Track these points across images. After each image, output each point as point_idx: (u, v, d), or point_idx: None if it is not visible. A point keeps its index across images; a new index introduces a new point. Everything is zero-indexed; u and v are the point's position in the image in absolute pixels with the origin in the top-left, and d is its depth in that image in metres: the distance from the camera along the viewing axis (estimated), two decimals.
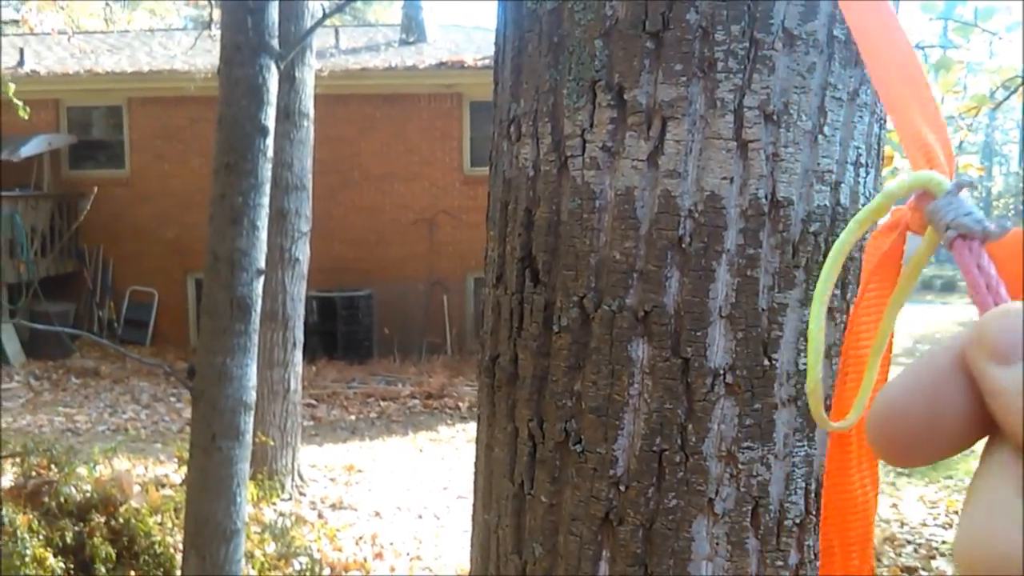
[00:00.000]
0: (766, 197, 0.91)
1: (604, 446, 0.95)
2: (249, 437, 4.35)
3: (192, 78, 9.97)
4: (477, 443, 1.13)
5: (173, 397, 9.27)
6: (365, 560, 5.43)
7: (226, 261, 4.28)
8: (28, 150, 10.48)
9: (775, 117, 0.91)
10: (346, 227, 11.09)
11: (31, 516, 4.43)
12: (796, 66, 0.90)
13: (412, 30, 12.65)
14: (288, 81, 6.39)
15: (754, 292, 0.92)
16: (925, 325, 15.10)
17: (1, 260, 10.12)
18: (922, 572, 5.26)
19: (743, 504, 0.93)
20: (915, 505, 6.47)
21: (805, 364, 0.94)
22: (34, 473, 4.82)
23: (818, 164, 0.93)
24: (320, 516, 6.22)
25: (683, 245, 0.92)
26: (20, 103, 6.57)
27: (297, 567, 5.13)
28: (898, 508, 6.42)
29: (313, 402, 9.23)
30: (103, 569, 4.38)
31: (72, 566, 4.37)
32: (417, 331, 11.27)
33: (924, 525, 6.07)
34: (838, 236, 0.95)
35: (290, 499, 6.43)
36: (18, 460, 4.84)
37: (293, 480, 6.66)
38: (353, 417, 8.98)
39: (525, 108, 1.00)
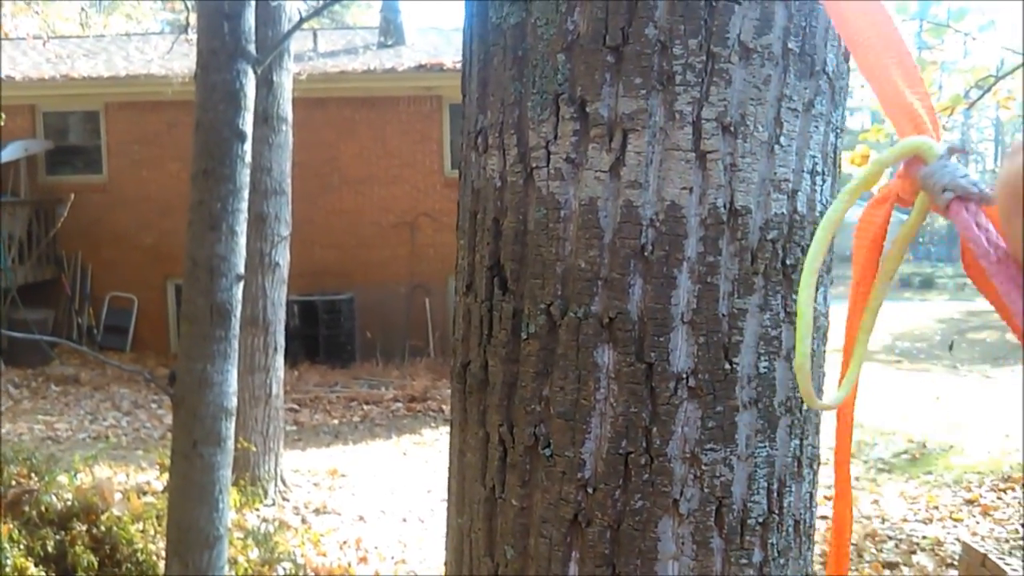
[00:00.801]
0: (725, 206, 0.94)
1: (572, 450, 0.97)
2: (231, 443, 4.35)
3: (169, 83, 9.93)
4: (451, 448, 1.15)
5: (154, 403, 9.23)
6: (349, 565, 5.43)
7: (205, 267, 4.28)
8: (4, 156, 10.41)
9: (732, 128, 0.93)
10: (326, 231, 11.08)
11: (11, 526, 4.41)
12: (752, 78, 0.93)
13: (390, 33, 12.65)
14: (266, 85, 6.38)
15: (714, 298, 0.95)
16: (904, 323, 15.24)
17: None
18: (903, 567, 5.32)
19: (707, 504, 0.96)
20: (896, 501, 6.55)
21: (765, 368, 0.97)
22: (14, 482, 4.79)
23: (775, 173, 0.96)
24: (304, 521, 6.21)
25: (645, 253, 0.94)
26: None
27: (281, 572, 5.13)
28: (879, 504, 6.49)
29: (296, 407, 9.21)
30: None
31: (54, 575, 4.34)
32: (399, 334, 11.27)
33: (905, 521, 6.13)
34: (795, 243, 0.98)
35: (273, 504, 6.41)
36: None
37: (276, 485, 6.64)
38: (336, 421, 8.98)
39: (491, 120, 1.03)
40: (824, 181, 1.01)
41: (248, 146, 4.23)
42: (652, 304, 0.94)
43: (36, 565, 4.31)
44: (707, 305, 0.95)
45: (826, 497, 6.52)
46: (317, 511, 6.44)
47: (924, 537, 5.76)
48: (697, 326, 0.95)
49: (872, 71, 0.42)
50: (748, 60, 0.93)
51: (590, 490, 0.97)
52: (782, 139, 0.95)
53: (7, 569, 4.20)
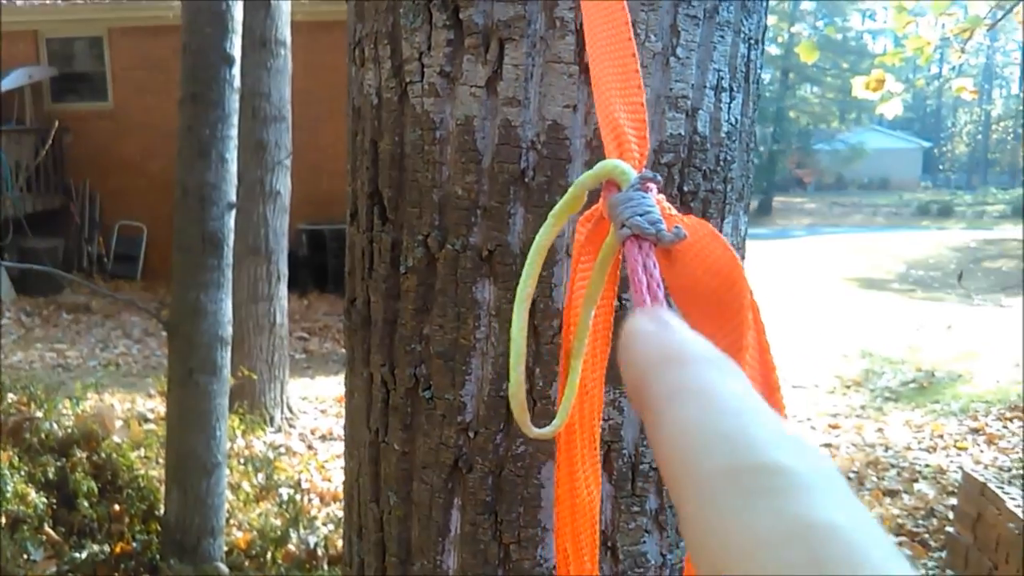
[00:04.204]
0: None
1: (452, 392, 0.90)
2: (227, 372, 4.34)
3: (170, 7, 9.73)
4: (345, 389, 1.09)
5: (165, 332, 9.28)
6: None
7: (195, 195, 4.22)
8: (8, 83, 10.29)
9: None
10: (333, 159, 10.89)
11: (11, 453, 4.46)
12: None
13: None
14: (263, 8, 6.23)
15: None
16: (920, 251, 14.96)
17: None
18: (904, 495, 5.29)
19: None
20: (900, 429, 6.50)
21: None
22: (14, 410, 4.84)
23: (671, 89, 0.85)
24: (310, 447, 6.26)
25: (526, 179, 0.85)
26: None
27: (285, 496, 5.19)
28: (883, 432, 6.44)
29: (305, 335, 9.24)
30: (86, 503, 4.42)
31: (55, 501, 4.41)
32: None
33: (908, 449, 6.09)
34: (695, 167, 0.89)
35: (279, 431, 6.47)
36: None
37: (283, 412, 6.69)
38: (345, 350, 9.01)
39: (367, 30, 0.93)
40: (732, 98, 0.90)
41: (236, 70, 4.12)
42: (534, 235, 0.86)
43: (37, 491, 4.36)
44: None
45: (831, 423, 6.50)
46: (323, 437, 6.49)
47: (927, 465, 5.73)
48: None
49: (599, 81, 0.41)
50: None
51: (471, 434, 0.90)
52: (679, 50, 0.85)
53: (8, 495, 4.26)
